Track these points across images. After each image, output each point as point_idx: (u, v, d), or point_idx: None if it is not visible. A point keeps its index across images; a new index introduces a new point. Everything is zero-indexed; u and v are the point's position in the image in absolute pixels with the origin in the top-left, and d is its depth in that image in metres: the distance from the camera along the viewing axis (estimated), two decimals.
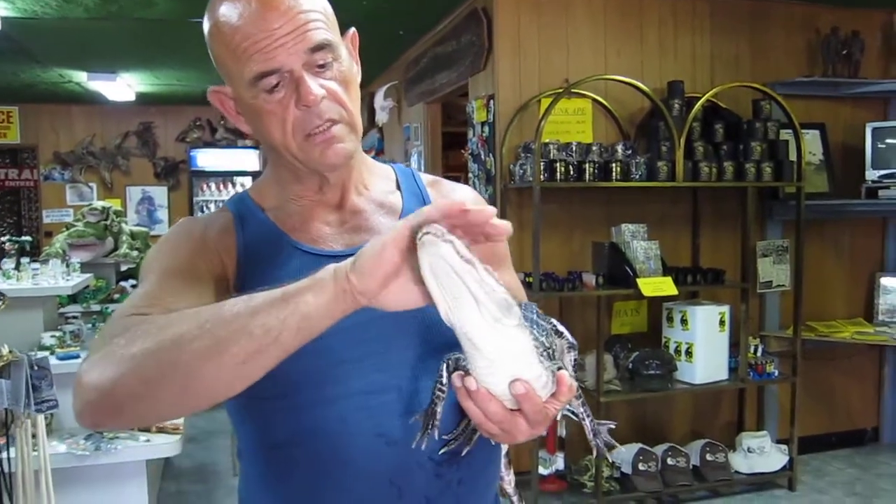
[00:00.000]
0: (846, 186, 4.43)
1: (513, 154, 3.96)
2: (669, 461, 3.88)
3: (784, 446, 4.08)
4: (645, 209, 4.04)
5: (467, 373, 0.81)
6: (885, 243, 4.70)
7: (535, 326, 0.86)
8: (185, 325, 0.79)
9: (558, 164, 3.60)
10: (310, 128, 0.98)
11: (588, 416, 0.92)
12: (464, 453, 0.95)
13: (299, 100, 0.96)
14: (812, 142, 4.36)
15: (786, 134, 4.02)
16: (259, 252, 1.04)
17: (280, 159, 1.04)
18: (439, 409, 0.89)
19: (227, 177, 8.98)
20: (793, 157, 3.97)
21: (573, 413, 0.92)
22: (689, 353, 3.88)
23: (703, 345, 3.84)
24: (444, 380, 0.88)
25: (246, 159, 9.05)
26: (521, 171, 3.76)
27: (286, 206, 1.08)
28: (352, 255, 1.02)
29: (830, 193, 4.39)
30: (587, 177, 3.65)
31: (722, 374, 3.93)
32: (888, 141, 4.27)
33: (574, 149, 3.79)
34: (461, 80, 4.51)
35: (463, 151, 5.01)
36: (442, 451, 0.95)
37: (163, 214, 8.95)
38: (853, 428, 4.75)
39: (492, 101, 4.04)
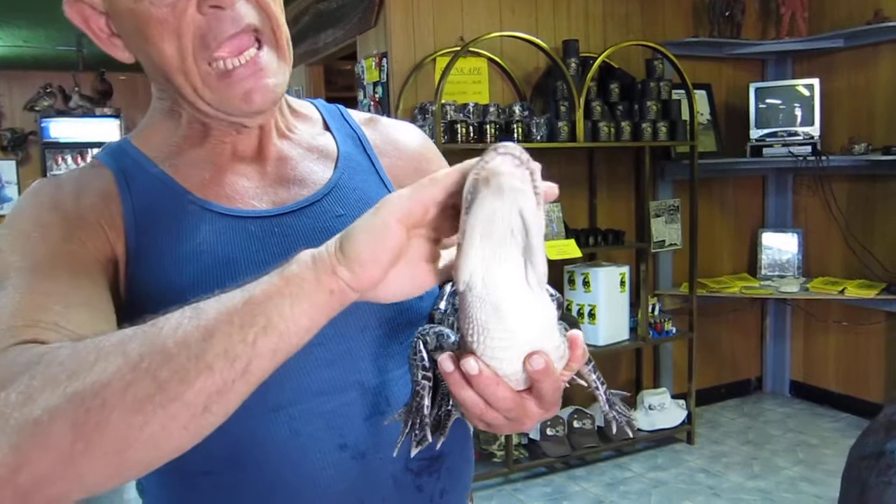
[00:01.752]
0: (732, 145, 4.53)
1: (409, 115, 3.77)
2: (576, 424, 3.87)
3: (681, 401, 4.16)
4: (543, 171, 3.96)
5: (456, 349, 0.63)
6: (766, 201, 4.86)
7: None
8: (109, 365, 0.55)
9: (459, 126, 3.45)
10: (219, 38, 0.74)
11: (602, 383, 0.76)
12: (438, 446, 0.74)
13: None
14: (700, 102, 4.41)
15: (676, 94, 4.04)
16: (155, 219, 0.79)
17: (174, 92, 0.79)
18: (427, 402, 0.71)
19: (84, 149, 8.26)
20: (685, 116, 4.00)
21: (583, 381, 0.77)
22: (591, 314, 3.86)
23: (606, 306, 3.83)
24: (427, 362, 0.70)
25: (106, 129, 8.35)
26: None
27: (186, 154, 0.83)
28: (283, 214, 0.80)
29: (718, 153, 4.48)
30: (488, 138, 3.52)
31: (623, 334, 3.95)
32: (769, 101, 4.38)
33: (471, 110, 3.66)
34: (348, 39, 4.26)
35: None
36: (415, 451, 0.73)
37: (11, 192, 8.14)
38: (739, 378, 4.94)
39: (384, 60, 3.82)
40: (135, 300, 0.76)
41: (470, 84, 3.91)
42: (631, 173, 4.31)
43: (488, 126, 3.51)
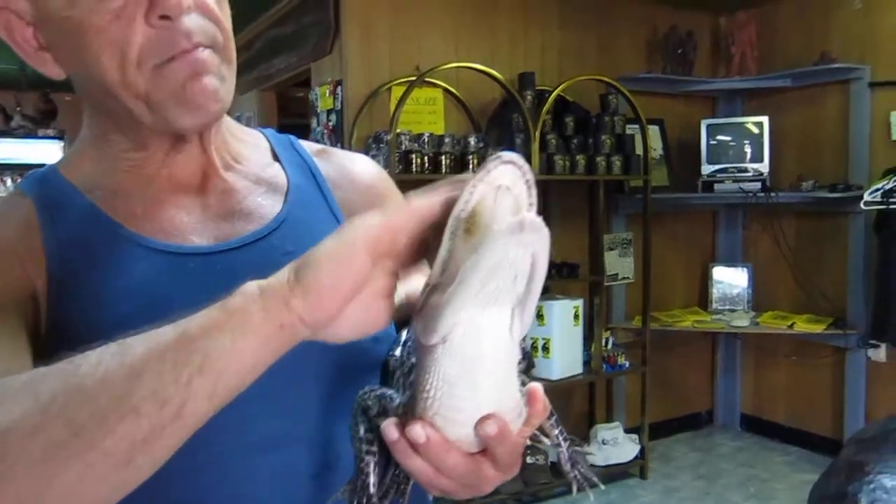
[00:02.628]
0: (683, 180, 4.57)
1: (363, 144, 3.71)
2: (529, 460, 3.80)
3: (634, 435, 4.13)
4: None
5: (401, 414, 0.57)
6: (717, 235, 4.92)
7: None
8: (15, 407, 0.48)
9: (414, 156, 3.40)
10: (170, 52, 0.67)
11: (566, 439, 0.71)
12: None
13: (154, 6, 0.65)
14: (653, 136, 4.45)
15: (630, 128, 4.07)
16: (83, 253, 0.71)
17: (108, 112, 0.72)
18: (373, 479, 0.62)
19: (25, 171, 8.00)
20: (639, 150, 4.02)
21: (544, 436, 0.71)
22: (545, 348, 3.82)
23: (560, 340, 3.80)
24: (367, 434, 0.62)
25: (48, 151, 8.10)
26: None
27: (119, 184, 0.75)
28: (226, 250, 0.72)
29: (670, 187, 4.52)
30: (443, 169, 3.48)
31: (577, 368, 3.91)
32: (720, 137, 4.45)
33: (426, 140, 3.62)
34: (302, 65, 4.20)
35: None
36: None
37: None
38: (691, 412, 4.94)
39: (339, 88, 3.76)
40: (57, 340, 0.68)
41: (425, 114, 3.87)
42: (585, 206, 4.31)
43: (443, 157, 3.48)
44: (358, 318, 0.54)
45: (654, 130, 4.48)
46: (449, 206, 0.50)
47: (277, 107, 5.33)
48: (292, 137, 0.90)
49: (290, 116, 5.72)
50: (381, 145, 3.52)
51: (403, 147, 3.48)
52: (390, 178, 0.93)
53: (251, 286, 0.53)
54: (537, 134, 3.63)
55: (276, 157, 0.86)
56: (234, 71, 0.74)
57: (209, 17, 0.70)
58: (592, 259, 4.25)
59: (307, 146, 0.89)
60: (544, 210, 4.12)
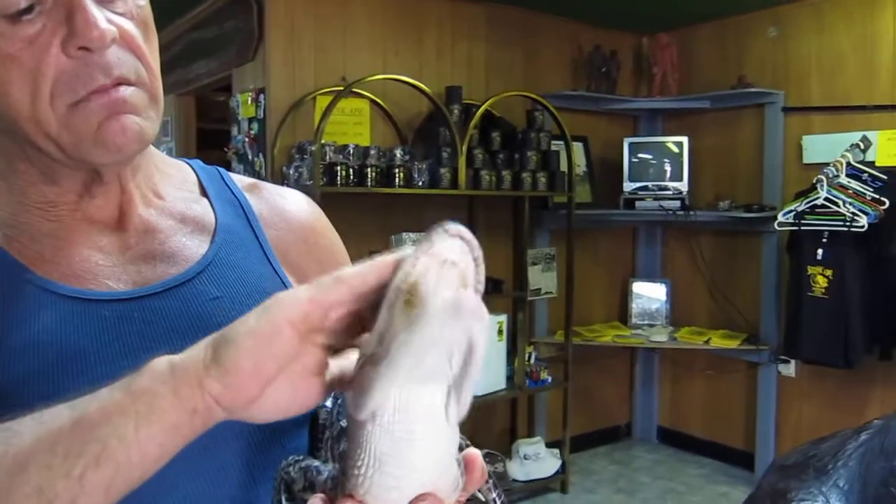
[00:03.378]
0: (605, 197, 4.64)
1: (285, 155, 3.62)
2: None
3: (555, 450, 4.15)
4: (423, 217, 3.90)
5: (330, 489, 0.53)
6: (636, 251, 5.01)
7: None
8: None
9: (339, 168, 3.33)
10: (87, 87, 0.61)
11: (503, 502, 0.67)
12: None
13: (73, 36, 0.59)
14: (577, 153, 4.50)
15: (555, 145, 4.10)
16: None
17: (16, 145, 0.65)
18: None
19: None
20: (563, 167, 4.06)
21: (481, 499, 0.67)
22: None
23: (484, 355, 3.77)
24: None
25: None
26: (297, 174, 3.44)
27: (25, 223, 0.68)
28: (145, 296, 0.65)
29: (593, 204, 4.58)
30: (369, 182, 3.42)
31: (500, 383, 3.91)
32: (641, 155, 4.53)
33: (352, 151, 3.55)
34: (223, 71, 4.07)
35: (226, 150, 4.55)
36: None
37: None
38: (610, 425, 5.01)
39: (262, 96, 3.66)
40: None
41: (351, 125, 3.81)
42: (509, 221, 4.32)
43: (369, 169, 3.42)
44: (284, 398, 0.50)
45: (578, 147, 4.54)
46: (384, 280, 0.47)
47: (196, 112, 5.16)
48: (222, 170, 0.84)
49: (209, 122, 5.54)
50: (305, 156, 3.44)
51: (328, 159, 3.41)
52: (324, 214, 0.87)
53: (161, 363, 0.48)
54: (464, 148, 3.61)
55: (203, 192, 0.79)
56: (161, 108, 0.67)
57: (133, 52, 0.64)
58: (516, 274, 4.26)
59: (237, 180, 0.83)
60: (470, 224, 4.11)
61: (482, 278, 0.46)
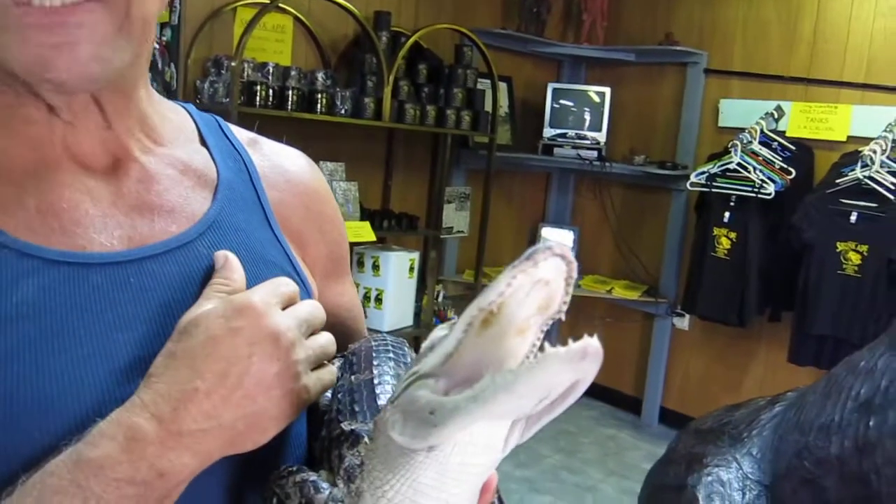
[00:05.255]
0: (524, 140, 4.63)
1: (199, 68, 3.40)
2: None
3: None
4: (341, 146, 3.79)
5: None
6: (548, 197, 5.05)
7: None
8: None
9: (259, 88, 3.16)
10: None
11: None
12: None
13: None
14: (500, 94, 4.45)
15: (482, 83, 4.04)
16: None
17: None
18: None
19: None
20: (488, 107, 4.00)
21: None
22: (378, 299, 3.76)
23: (394, 292, 3.76)
24: None
25: None
26: (212, 91, 3.24)
27: None
28: (143, 258, 0.58)
29: (512, 146, 4.56)
30: (289, 105, 3.27)
31: (408, 320, 3.91)
32: (563, 102, 4.53)
33: (271, 71, 3.37)
34: None
35: None
36: None
37: None
38: None
39: (178, 1, 3.40)
40: None
41: (272, 42, 3.60)
42: (428, 158, 4.26)
43: (290, 92, 3.26)
44: (259, 425, 0.51)
45: (502, 88, 4.48)
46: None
47: None
48: (219, 119, 0.74)
49: None
50: (223, 71, 3.24)
51: (246, 77, 3.22)
52: (324, 177, 0.79)
53: (109, 440, 0.47)
54: (391, 79, 3.50)
55: (203, 142, 0.69)
56: (138, 34, 0.55)
57: None
58: (430, 212, 4.23)
59: (236, 132, 0.73)
60: (387, 158, 4.03)
61: (568, 299, 0.42)
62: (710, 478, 1.43)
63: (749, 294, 3.63)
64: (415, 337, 4.24)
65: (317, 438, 0.60)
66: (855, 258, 3.21)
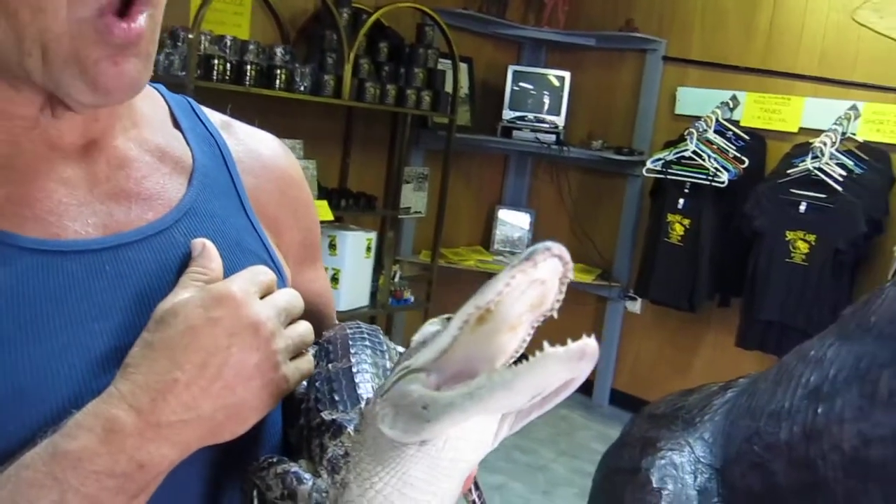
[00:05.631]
0: (483, 122, 4.64)
1: None
2: None
3: None
4: (299, 123, 3.74)
5: (317, 502, 0.50)
6: (505, 179, 5.07)
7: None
8: None
9: (216, 62, 3.10)
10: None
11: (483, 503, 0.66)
12: None
13: None
14: (461, 75, 4.44)
15: (442, 64, 4.02)
16: None
17: None
18: None
19: None
20: (448, 88, 3.99)
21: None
22: (335, 279, 3.74)
23: (350, 272, 3.74)
24: None
25: None
26: (167, 63, 3.16)
27: None
28: (119, 245, 0.57)
29: (471, 128, 4.56)
30: (247, 80, 3.21)
31: (364, 300, 3.90)
32: (522, 84, 4.54)
33: (229, 45, 3.30)
34: None
35: None
36: None
37: None
38: None
39: None
40: None
41: (230, 14, 3.53)
42: (386, 137, 4.24)
43: (249, 67, 3.20)
44: (239, 415, 0.51)
45: (462, 68, 4.47)
46: None
47: None
48: (191, 100, 0.71)
49: None
50: (179, 44, 3.16)
51: (203, 50, 3.15)
52: (293, 155, 0.78)
53: (87, 432, 0.46)
54: (352, 56, 3.46)
55: (176, 125, 0.67)
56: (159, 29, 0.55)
57: None
58: (388, 191, 4.21)
59: (209, 114, 0.71)
60: (345, 136, 3.99)
61: (561, 297, 0.43)
62: (663, 461, 1.47)
63: (700, 279, 3.71)
64: (371, 317, 4.24)
65: (293, 426, 0.60)
66: (803, 247, 3.30)
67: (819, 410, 1.21)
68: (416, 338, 0.46)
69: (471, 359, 0.43)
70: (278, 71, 3.28)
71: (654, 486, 1.43)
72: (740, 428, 1.45)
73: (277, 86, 3.27)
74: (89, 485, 0.45)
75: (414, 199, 4.38)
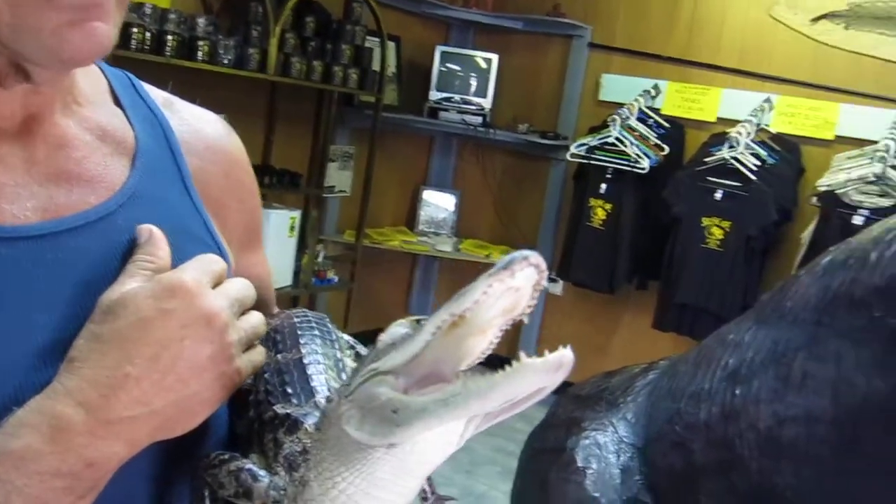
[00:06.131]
0: (409, 101, 4.61)
1: None
2: None
3: None
4: (221, 97, 3.63)
5: (274, 500, 0.50)
6: (431, 160, 5.07)
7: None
8: None
9: (135, 31, 2.97)
10: None
11: (432, 493, 0.66)
12: None
13: None
14: (389, 54, 4.40)
15: (370, 41, 3.98)
16: None
17: None
18: None
19: None
20: (376, 66, 3.95)
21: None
22: None
23: (274, 251, 3.68)
24: None
25: None
26: None
27: None
28: (60, 231, 0.54)
29: (398, 107, 4.53)
30: (167, 51, 3.10)
31: (287, 279, 3.85)
32: (450, 65, 4.54)
33: (148, 13, 3.17)
34: None
35: None
36: None
37: None
38: (383, 326, 5.13)
39: None
40: None
41: None
42: (311, 114, 4.17)
43: (169, 37, 3.08)
44: (191, 409, 0.50)
45: (390, 47, 4.42)
46: None
47: None
48: (131, 76, 0.68)
49: None
50: None
51: None
52: (235, 134, 0.74)
53: (31, 430, 0.44)
54: (277, 30, 3.38)
55: (117, 102, 0.63)
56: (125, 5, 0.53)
57: None
58: (312, 170, 4.15)
59: (150, 91, 0.67)
60: (269, 112, 3.91)
61: (534, 304, 0.43)
62: (587, 441, 1.50)
63: (620, 263, 3.81)
64: (293, 297, 4.18)
65: (241, 418, 0.59)
66: (718, 233, 3.43)
67: (737, 392, 1.26)
68: (384, 339, 0.46)
69: (438, 361, 0.43)
70: (200, 42, 3.18)
71: (579, 465, 1.46)
72: (662, 409, 1.50)
73: (199, 58, 3.17)
74: (34, 485, 0.43)
75: (339, 177, 4.33)
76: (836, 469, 1.07)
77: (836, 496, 1.07)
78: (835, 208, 3.14)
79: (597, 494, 1.47)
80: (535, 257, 0.41)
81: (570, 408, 1.71)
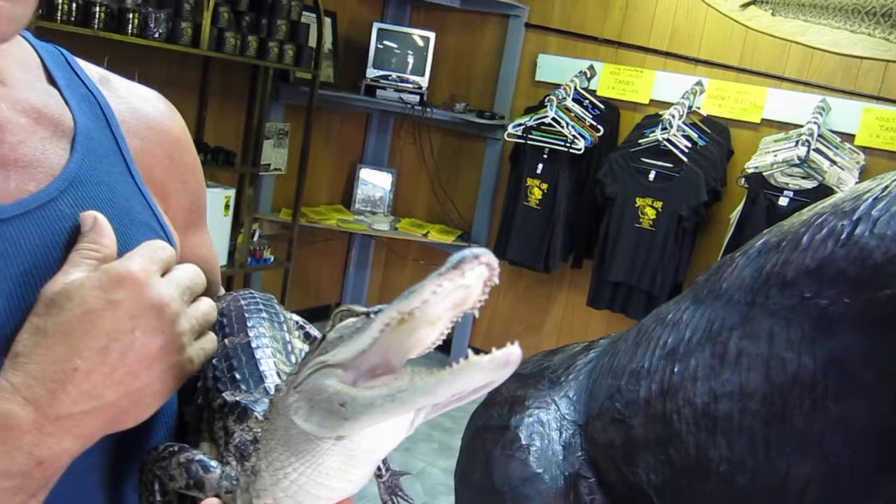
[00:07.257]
0: (346, 78, 4.56)
1: None
2: None
3: None
4: (152, 71, 3.53)
5: (226, 490, 0.50)
6: (367, 138, 5.04)
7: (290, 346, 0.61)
8: None
9: (61, 1, 2.85)
10: None
11: (387, 469, 0.67)
12: None
13: None
14: (325, 30, 4.33)
15: (306, 17, 3.91)
16: None
17: None
18: None
19: None
20: (312, 42, 3.89)
21: None
22: None
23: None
24: None
25: None
26: None
27: None
28: (1, 220, 0.53)
29: (334, 84, 4.48)
30: (95, 23, 2.98)
31: (222, 259, 3.78)
32: (387, 43, 4.50)
33: None
34: None
35: None
36: None
37: None
38: (320, 304, 5.13)
39: None
40: None
41: None
42: (245, 90, 4.08)
43: (98, 9, 2.97)
44: (142, 401, 0.49)
45: (326, 22, 4.36)
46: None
47: None
48: (65, 52, 0.64)
49: None
50: None
51: None
52: (178, 113, 0.72)
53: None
54: (211, 3, 3.29)
55: (51, 81, 0.61)
56: None
57: None
58: (246, 147, 4.08)
59: (85, 68, 0.64)
60: (202, 88, 3.81)
61: (484, 298, 0.44)
62: (530, 419, 1.54)
63: (555, 242, 3.87)
64: (228, 277, 4.12)
65: (189, 405, 0.58)
66: (651, 213, 3.51)
67: (675, 369, 1.31)
68: (332, 333, 0.46)
69: (387, 351, 0.44)
70: (130, 15, 3.07)
71: (523, 442, 1.50)
72: (602, 386, 1.55)
73: (130, 31, 3.07)
74: None
75: (274, 155, 4.27)
76: (766, 442, 1.13)
77: (766, 469, 1.13)
78: (762, 189, 3.25)
79: (540, 471, 1.51)
80: (486, 256, 0.42)
81: (512, 386, 1.74)
